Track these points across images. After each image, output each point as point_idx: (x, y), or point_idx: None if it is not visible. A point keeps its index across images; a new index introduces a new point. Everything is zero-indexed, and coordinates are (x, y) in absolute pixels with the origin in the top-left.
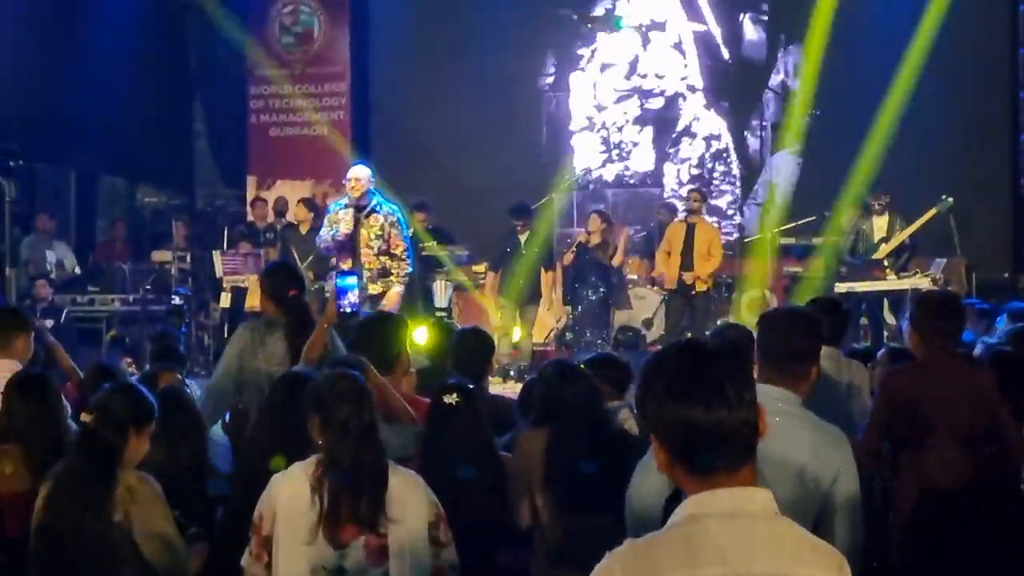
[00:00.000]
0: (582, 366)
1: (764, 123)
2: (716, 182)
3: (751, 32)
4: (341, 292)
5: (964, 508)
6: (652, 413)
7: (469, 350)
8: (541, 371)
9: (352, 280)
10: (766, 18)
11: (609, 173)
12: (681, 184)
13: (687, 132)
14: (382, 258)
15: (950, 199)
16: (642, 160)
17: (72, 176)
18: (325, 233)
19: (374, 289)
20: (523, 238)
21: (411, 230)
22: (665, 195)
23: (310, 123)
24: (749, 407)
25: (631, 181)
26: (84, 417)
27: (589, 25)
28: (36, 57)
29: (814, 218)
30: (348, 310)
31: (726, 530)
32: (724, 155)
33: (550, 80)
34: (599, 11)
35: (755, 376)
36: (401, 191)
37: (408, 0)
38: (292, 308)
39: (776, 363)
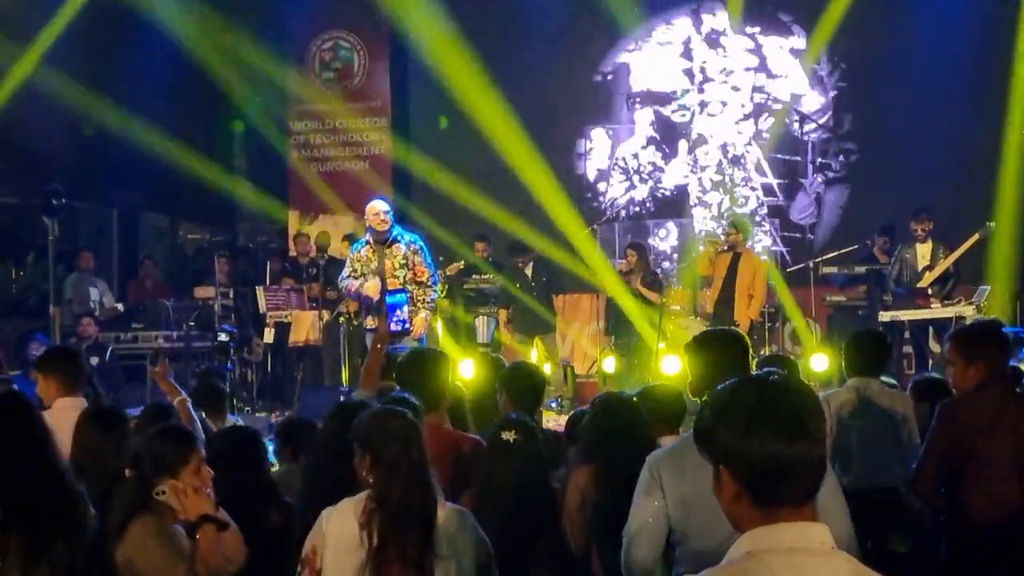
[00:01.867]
0: (632, 398)
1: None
2: (739, 187)
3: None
4: (391, 310)
5: (1018, 542)
6: (726, 446)
7: (522, 385)
8: (591, 403)
9: (401, 297)
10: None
11: (646, 201)
12: (705, 191)
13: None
14: (409, 287)
15: (992, 224)
16: (671, 181)
17: (114, 214)
18: (350, 282)
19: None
20: (528, 271)
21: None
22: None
23: (351, 157)
24: (824, 442)
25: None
26: (128, 472)
27: None
28: (77, 96)
29: (857, 247)
30: (399, 328)
31: (785, 567)
32: (741, 160)
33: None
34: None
35: None
36: (444, 223)
37: (447, 34)
38: None
39: None
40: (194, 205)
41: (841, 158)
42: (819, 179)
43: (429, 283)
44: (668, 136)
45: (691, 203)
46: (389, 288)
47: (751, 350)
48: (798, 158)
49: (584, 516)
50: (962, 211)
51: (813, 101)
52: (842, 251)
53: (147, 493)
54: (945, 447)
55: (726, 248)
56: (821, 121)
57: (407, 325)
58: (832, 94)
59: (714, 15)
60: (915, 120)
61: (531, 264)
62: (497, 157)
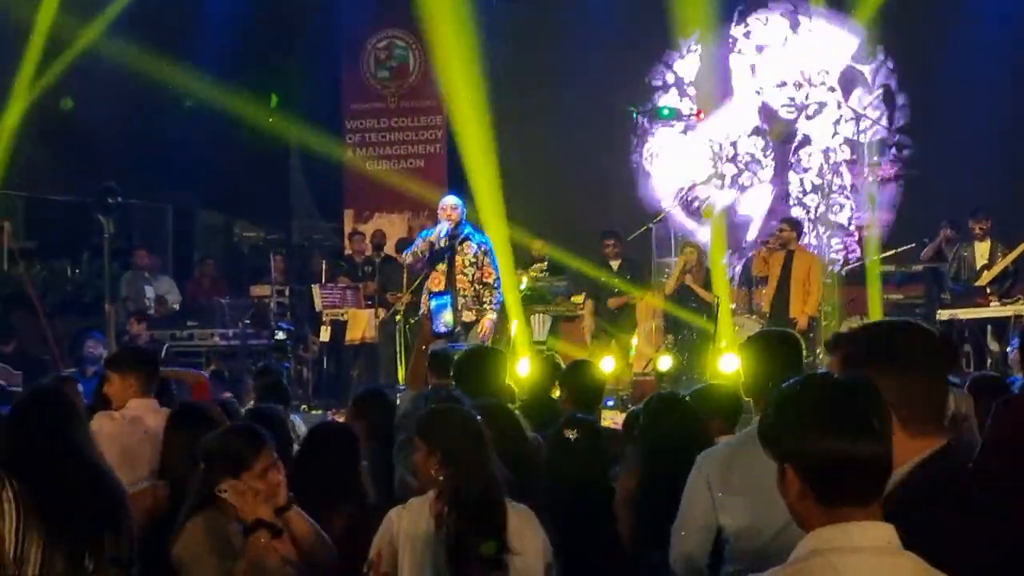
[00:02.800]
0: (686, 398)
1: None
2: (835, 194)
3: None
4: (435, 313)
5: None
6: (791, 444)
7: (582, 383)
8: (646, 403)
9: (445, 299)
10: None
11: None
12: (804, 192)
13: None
14: (476, 286)
15: None
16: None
17: (169, 212)
18: (414, 245)
19: (468, 316)
20: (615, 264)
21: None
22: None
23: (406, 156)
24: (890, 440)
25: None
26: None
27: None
28: (132, 94)
29: (914, 245)
30: (443, 330)
31: (850, 565)
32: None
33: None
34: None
35: None
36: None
37: (501, 32)
38: None
39: None
40: (250, 203)
41: (895, 154)
42: (871, 178)
43: (495, 285)
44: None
45: (790, 203)
46: (433, 290)
47: (805, 350)
48: (855, 156)
49: (637, 514)
50: (1021, 209)
51: (864, 98)
52: (900, 249)
53: (211, 490)
54: (1001, 444)
55: (778, 246)
56: (876, 118)
57: (451, 329)
58: (880, 91)
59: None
60: (972, 117)
61: (619, 261)
62: (554, 154)
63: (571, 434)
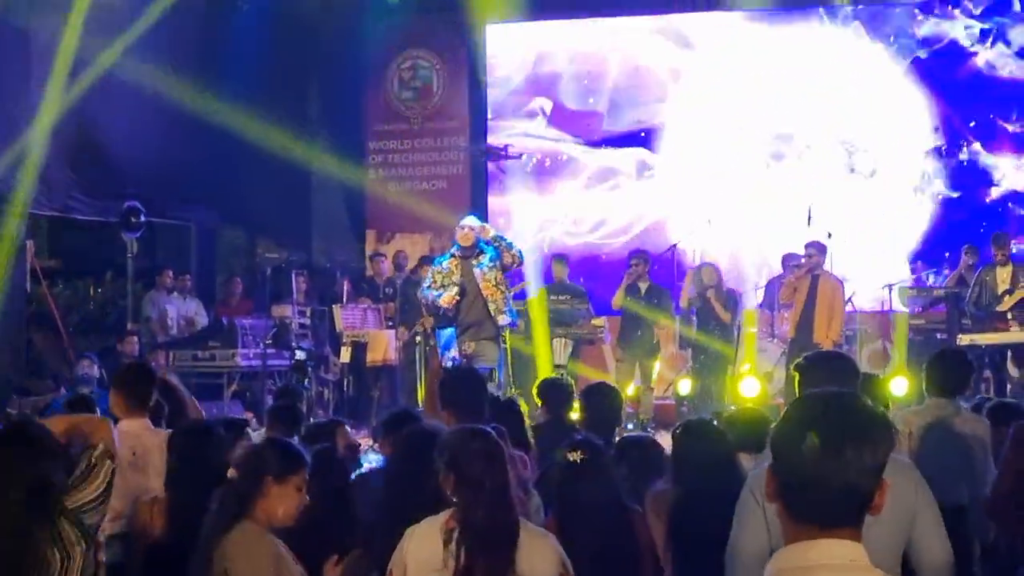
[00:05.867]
0: (713, 423)
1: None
2: None
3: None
4: (442, 348)
5: None
6: (773, 454)
7: (599, 405)
8: (673, 430)
9: (449, 331)
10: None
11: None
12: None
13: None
14: (501, 287)
15: None
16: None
17: (192, 231)
18: (429, 292)
19: (502, 319)
20: (643, 287)
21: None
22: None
23: (429, 177)
24: (861, 472)
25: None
26: (231, 473)
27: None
28: (155, 113)
29: (936, 269)
30: (450, 364)
31: None
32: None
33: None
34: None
35: None
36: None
37: (525, 55)
38: None
39: None
40: (272, 223)
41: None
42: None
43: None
44: None
45: None
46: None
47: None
48: None
49: (671, 538)
50: None
51: None
52: (920, 274)
53: (250, 500)
54: (1019, 469)
55: (805, 271)
56: None
57: (459, 360)
58: None
59: None
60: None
61: (647, 284)
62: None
63: (574, 456)
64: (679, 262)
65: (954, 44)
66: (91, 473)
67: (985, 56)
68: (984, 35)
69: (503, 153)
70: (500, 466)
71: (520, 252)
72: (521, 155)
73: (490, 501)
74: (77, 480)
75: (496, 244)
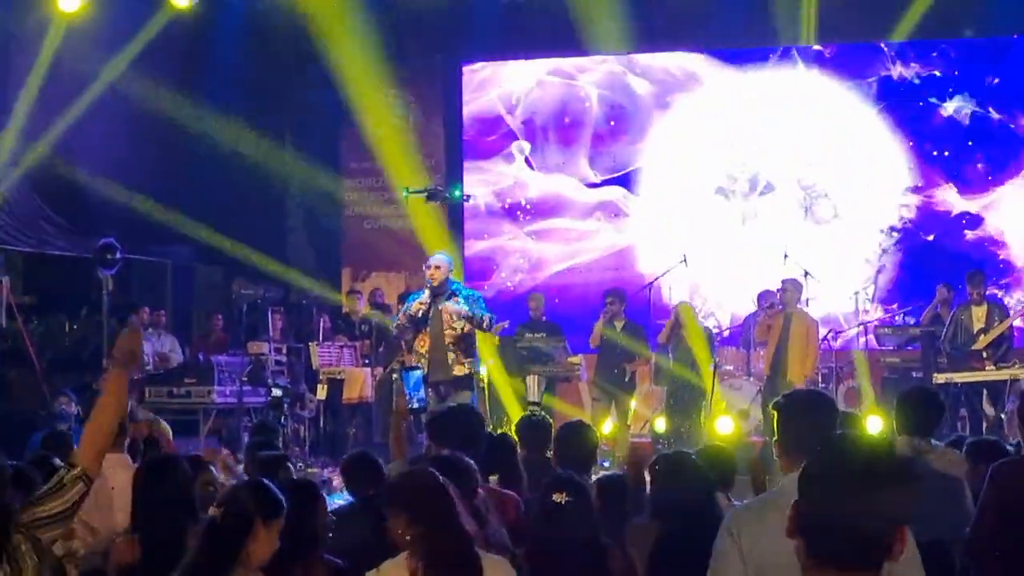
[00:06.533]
0: (692, 457)
1: None
2: None
3: None
4: (410, 390)
5: None
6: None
7: (574, 443)
8: (651, 464)
9: (417, 375)
10: None
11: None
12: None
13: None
14: (464, 337)
15: None
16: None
17: (168, 268)
18: (400, 316)
19: (460, 370)
20: (618, 325)
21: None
22: None
23: (404, 215)
24: (885, 518)
25: None
26: (212, 511)
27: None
28: (131, 151)
29: (910, 307)
30: (416, 406)
31: None
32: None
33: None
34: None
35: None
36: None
37: (500, 93)
38: None
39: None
40: (248, 260)
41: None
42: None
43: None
44: None
45: None
46: (419, 350)
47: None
48: None
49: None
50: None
51: None
52: (895, 313)
53: (238, 541)
54: (998, 509)
55: (779, 308)
56: None
57: (424, 403)
58: None
59: None
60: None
61: (623, 322)
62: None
63: (559, 498)
64: (654, 300)
65: (925, 86)
66: (58, 491)
67: (954, 104)
68: (949, 81)
69: (445, 196)
70: (448, 501)
71: (493, 318)
72: (469, 198)
73: (448, 532)
74: (41, 495)
75: (471, 308)
